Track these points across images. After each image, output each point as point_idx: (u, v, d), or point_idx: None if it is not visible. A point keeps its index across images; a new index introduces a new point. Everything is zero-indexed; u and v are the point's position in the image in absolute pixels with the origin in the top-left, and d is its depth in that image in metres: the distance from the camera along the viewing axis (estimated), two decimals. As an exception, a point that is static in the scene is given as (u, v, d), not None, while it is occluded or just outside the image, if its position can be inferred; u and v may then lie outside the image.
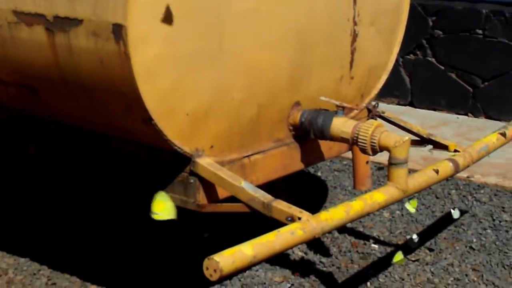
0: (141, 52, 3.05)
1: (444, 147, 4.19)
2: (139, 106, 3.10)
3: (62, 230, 4.74)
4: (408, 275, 4.11)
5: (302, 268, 4.22)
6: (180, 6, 3.17)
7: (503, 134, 4.26)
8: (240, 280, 4.03)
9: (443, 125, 6.10)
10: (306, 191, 5.03)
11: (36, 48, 3.38)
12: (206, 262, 2.77)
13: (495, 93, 6.40)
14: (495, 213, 4.81)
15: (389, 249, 4.43)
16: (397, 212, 4.85)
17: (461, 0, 6.55)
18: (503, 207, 4.88)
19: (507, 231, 4.59)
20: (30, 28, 3.35)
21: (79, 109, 3.49)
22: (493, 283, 3.99)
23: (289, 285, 4.04)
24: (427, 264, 4.23)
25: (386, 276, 4.12)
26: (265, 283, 4.04)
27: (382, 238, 4.56)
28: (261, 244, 2.93)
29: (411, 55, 6.62)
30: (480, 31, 6.43)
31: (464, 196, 5.06)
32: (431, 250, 4.41)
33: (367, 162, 4.12)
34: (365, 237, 4.56)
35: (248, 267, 3.01)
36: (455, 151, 4.03)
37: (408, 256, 4.32)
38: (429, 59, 6.62)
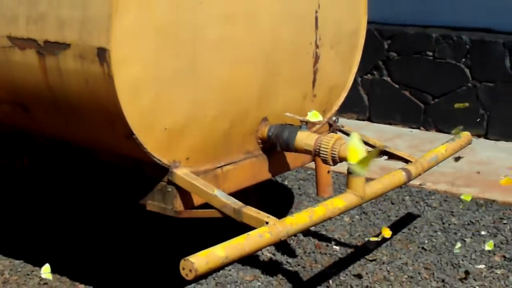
0: (123, 73, 3.07)
1: (398, 158, 4.23)
2: (122, 122, 3.13)
3: (53, 234, 4.71)
4: (367, 273, 4.14)
5: (271, 268, 4.24)
6: (159, 31, 3.20)
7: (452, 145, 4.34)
8: (214, 279, 4.04)
9: (398, 138, 6.13)
10: (274, 198, 5.04)
11: (28, 70, 3.38)
12: (182, 263, 2.81)
13: (444, 109, 6.43)
14: (444, 217, 4.85)
15: (349, 250, 4.46)
16: (357, 216, 4.87)
17: (413, 26, 6.57)
18: (451, 212, 4.94)
19: (455, 233, 4.63)
20: (22, 52, 3.36)
21: (68, 126, 3.50)
22: (443, 280, 4.02)
23: (259, 283, 4.05)
24: (383, 263, 4.26)
25: (346, 274, 4.14)
26: (237, 282, 4.05)
27: (343, 240, 4.58)
28: (232, 246, 2.97)
29: (369, 75, 6.65)
30: (430, 53, 6.45)
31: (416, 202, 5.10)
32: (387, 250, 4.43)
33: (328, 172, 4.15)
34: (328, 240, 4.58)
35: (221, 267, 3.07)
36: (408, 161, 4.07)
37: (367, 257, 4.35)
38: (385, 78, 6.64)
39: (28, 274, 4.19)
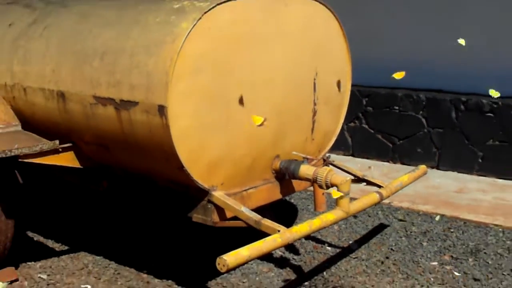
0: (176, 124, 3.11)
1: (373, 184, 4.23)
2: (175, 158, 3.16)
3: (124, 236, 4.71)
4: (350, 267, 4.13)
5: (281, 262, 4.23)
6: (202, 94, 3.23)
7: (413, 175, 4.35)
8: (240, 271, 4.05)
9: (374, 168, 6.17)
10: (284, 212, 5.01)
11: (109, 121, 3.41)
12: (218, 260, 2.84)
13: (407, 148, 6.43)
14: (407, 227, 4.84)
15: (338, 250, 4.44)
16: (343, 225, 4.85)
17: (384, 87, 6.58)
18: (412, 223, 4.93)
19: (415, 239, 4.62)
20: (104, 107, 3.39)
21: (136, 160, 3.54)
22: (407, 274, 4.01)
23: (272, 274, 4.05)
24: (363, 260, 4.24)
25: (336, 268, 4.14)
26: (257, 273, 4.06)
27: (333, 243, 4.56)
28: (254, 248, 2.98)
29: (352, 123, 6.65)
30: (396, 108, 6.47)
31: (387, 215, 5.09)
32: (365, 250, 4.42)
33: (323, 193, 4.14)
34: (322, 242, 4.57)
35: (245, 262, 3.05)
36: (380, 186, 4.07)
37: (350, 255, 4.33)
38: (364, 125, 6.65)
39: (106, 267, 4.19)
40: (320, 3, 3.86)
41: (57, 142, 3.64)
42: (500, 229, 4.72)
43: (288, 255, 4.34)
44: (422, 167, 4.48)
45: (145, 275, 4.04)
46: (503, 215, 4.94)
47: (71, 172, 3.92)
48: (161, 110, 3.08)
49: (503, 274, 4.02)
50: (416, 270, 4.09)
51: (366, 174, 4.40)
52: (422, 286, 3.87)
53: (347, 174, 4.18)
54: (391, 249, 4.40)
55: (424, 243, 4.52)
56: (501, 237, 4.58)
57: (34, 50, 3.78)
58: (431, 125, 6.25)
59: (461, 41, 3.78)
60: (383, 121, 6.53)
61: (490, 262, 4.19)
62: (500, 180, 5.84)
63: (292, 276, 4.05)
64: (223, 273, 3.76)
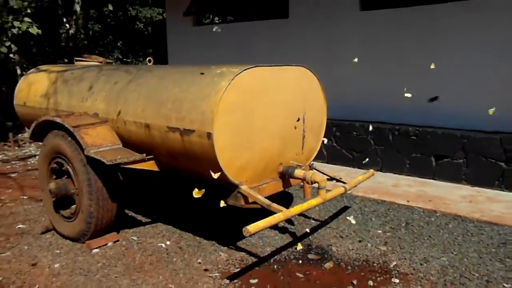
0: (218, 143, 3.18)
1: (340, 181, 4.26)
2: (217, 164, 3.22)
3: (184, 213, 4.69)
4: (326, 233, 4.12)
5: (283, 230, 4.24)
6: (234, 125, 3.29)
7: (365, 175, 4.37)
8: (257, 235, 4.07)
9: (341, 171, 6.09)
10: (285, 199, 4.99)
11: (176, 142, 3.46)
12: (244, 228, 2.90)
13: (361, 158, 6.38)
14: (362, 208, 4.81)
15: (318, 223, 4.41)
16: (322, 207, 4.82)
17: (347, 120, 6.56)
18: (365, 205, 4.89)
19: (367, 215, 4.59)
20: (173, 133, 3.45)
21: (193, 166, 3.57)
22: (362, 237, 4.01)
23: (277, 237, 4.08)
24: (334, 229, 4.24)
25: (317, 234, 4.14)
26: (267, 236, 4.08)
27: (316, 218, 4.54)
28: (267, 221, 3.05)
29: (327, 142, 6.60)
30: (355, 133, 6.44)
31: (349, 200, 5.04)
32: (335, 223, 4.40)
33: (309, 187, 4.15)
34: (308, 218, 4.55)
35: (261, 230, 3.09)
36: (345, 183, 4.09)
37: (326, 226, 4.31)
38: (334, 144, 6.62)
39: (173, 232, 4.22)
40: (307, 69, 3.92)
41: (144, 155, 3.72)
42: (422, 210, 4.71)
43: (287, 225, 4.35)
44: (371, 171, 4.49)
45: (198, 238, 4.09)
46: (423, 202, 4.93)
47: (152, 173, 3.93)
48: (209, 135, 3.16)
49: (423, 238, 4.03)
50: (368, 235, 4.11)
51: (337, 175, 4.41)
52: (372, 245, 3.90)
53: (324, 175, 4.22)
54: (351, 222, 4.39)
55: (373, 219, 4.51)
56: (422, 216, 4.58)
57: (131, 98, 3.85)
58: (376, 144, 6.23)
59: (407, 95, 3.81)
60: (347, 142, 6.49)
61: (415, 231, 4.19)
62: (421, 178, 5.81)
63: (290, 239, 4.07)
64: (246, 237, 3.81)
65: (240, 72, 3.26)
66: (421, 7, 5.84)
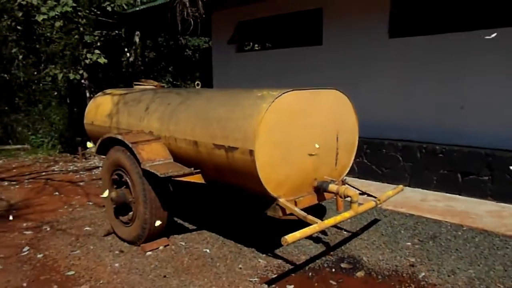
0: (259, 160, 3.18)
1: (372, 196, 4.15)
2: (258, 179, 3.21)
3: (227, 222, 4.68)
4: (358, 244, 3.99)
5: (317, 240, 4.16)
6: (273, 142, 3.28)
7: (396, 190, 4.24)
8: (293, 244, 4.00)
9: (370, 186, 5.95)
10: (318, 211, 4.92)
11: (221, 158, 3.48)
12: (282, 238, 2.85)
13: (391, 175, 6.22)
14: (391, 221, 4.66)
15: (350, 234, 4.31)
16: (353, 219, 4.68)
17: (377, 138, 6.41)
18: (394, 218, 4.74)
19: (396, 228, 4.45)
20: (219, 150, 3.47)
21: (235, 179, 3.57)
22: (392, 249, 3.89)
23: (311, 246, 4.00)
24: (365, 240, 4.11)
25: (349, 244, 4.03)
26: (302, 245, 4.02)
27: (347, 229, 4.43)
28: (303, 232, 3.00)
29: (358, 159, 6.48)
30: (384, 150, 6.30)
31: (379, 214, 4.90)
32: (365, 235, 4.27)
33: (342, 200, 4.03)
34: (341, 229, 4.45)
35: (297, 240, 3.05)
36: (375, 197, 3.98)
37: (359, 236, 4.19)
38: (365, 161, 6.49)
39: (217, 239, 4.20)
40: (340, 91, 3.88)
41: (192, 169, 3.77)
42: (449, 224, 4.52)
43: (320, 236, 4.28)
44: (400, 186, 4.35)
45: (238, 245, 4.08)
46: (450, 216, 4.74)
47: (198, 185, 3.95)
48: (251, 152, 3.17)
49: (451, 251, 3.87)
50: (397, 247, 3.98)
51: (367, 189, 4.31)
52: (401, 257, 3.77)
53: (356, 190, 4.12)
54: (382, 234, 4.28)
55: (402, 231, 4.37)
56: (449, 229, 4.39)
57: (181, 118, 3.92)
58: (405, 161, 6.06)
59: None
60: (376, 158, 6.33)
61: (442, 244, 4.03)
62: (448, 194, 5.59)
63: (323, 248, 4.00)
64: (283, 246, 3.76)
65: (280, 95, 3.26)
66: (438, 36, 5.76)
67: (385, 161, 6.23)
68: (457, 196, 5.45)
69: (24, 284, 3.43)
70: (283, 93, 3.29)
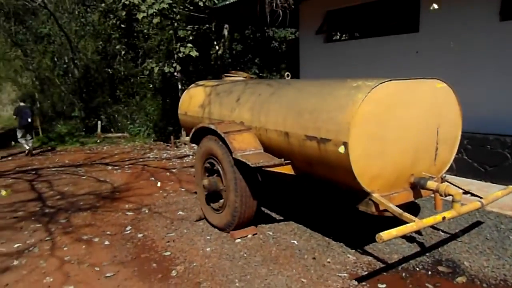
0: (353, 153, 3.10)
1: (476, 196, 3.84)
2: (351, 173, 3.14)
3: (316, 215, 4.64)
4: (457, 247, 3.72)
5: (410, 239, 3.96)
6: (368, 135, 3.17)
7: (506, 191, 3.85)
8: (385, 243, 3.80)
9: (471, 185, 5.48)
10: (413, 209, 4.68)
11: (313, 149, 3.45)
12: (377, 235, 2.76)
13: (495, 172, 5.66)
14: (497, 224, 4.24)
15: (448, 235, 4.02)
16: (451, 220, 4.36)
17: (483, 133, 5.82)
18: (501, 222, 4.30)
19: (504, 233, 4.04)
20: (311, 142, 3.45)
21: (327, 172, 3.51)
22: (498, 255, 3.52)
23: (404, 245, 3.81)
24: (466, 243, 3.82)
25: (447, 246, 3.78)
26: (394, 244, 3.83)
27: (445, 230, 4.14)
28: (399, 230, 2.88)
29: (457, 155, 6.01)
30: (488, 146, 5.73)
31: (482, 215, 4.48)
32: (466, 237, 3.95)
33: (441, 199, 3.79)
34: (437, 229, 4.19)
35: (393, 238, 2.92)
36: (480, 197, 3.66)
37: (457, 239, 3.90)
38: (465, 157, 5.98)
39: (304, 231, 4.20)
40: (442, 81, 3.61)
41: (282, 159, 3.79)
42: None
43: (414, 235, 4.06)
44: (510, 187, 3.93)
45: (326, 238, 4.04)
46: None
47: (287, 176, 3.95)
48: (345, 144, 3.10)
49: None
50: (505, 254, 3.62)
51: (470, 188, 3.98)
52: (510, 265, 3.42)
53: (458, 188, 3.82)
54: (486, 238, 3.93)
55: (511, 237, 3.96)
56: None
57: (272, 109, 3.96)
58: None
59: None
60: (478, 154, 5.81)
61: (561, 254, 3.57)
62: None
63: (417, 248, 3.80)
64: (373, 242, 3.63)
65: (376, 86, 3.13)
66: None
67: (490, 159, 5.67)
68: None
69: (129, 259, 3.76)
70: (380, 83, 3.15)
